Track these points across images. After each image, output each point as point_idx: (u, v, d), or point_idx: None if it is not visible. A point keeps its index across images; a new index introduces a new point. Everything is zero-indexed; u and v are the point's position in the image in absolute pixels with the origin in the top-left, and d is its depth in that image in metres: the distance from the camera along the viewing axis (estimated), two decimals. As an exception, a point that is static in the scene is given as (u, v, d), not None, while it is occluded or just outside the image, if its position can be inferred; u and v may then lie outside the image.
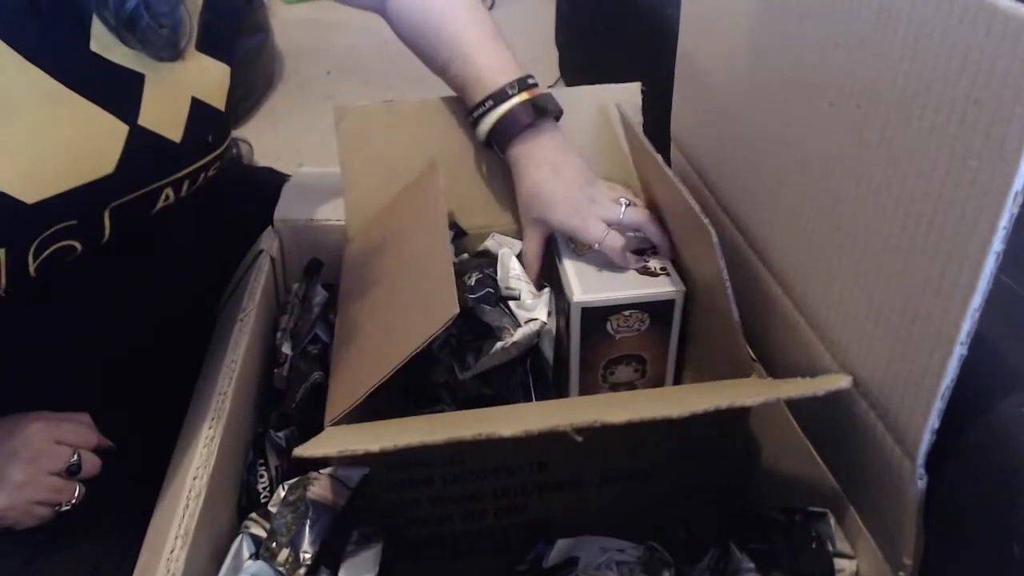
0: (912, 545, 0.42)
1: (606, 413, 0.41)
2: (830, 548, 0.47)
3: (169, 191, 0.53)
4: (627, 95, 0.71)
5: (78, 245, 0.48)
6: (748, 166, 0.58)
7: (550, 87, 0.67)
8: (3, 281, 0.45)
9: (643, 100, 0.71)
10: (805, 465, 0.52)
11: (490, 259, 0.66)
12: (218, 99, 0.57)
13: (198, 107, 0.54)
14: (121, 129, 0.48)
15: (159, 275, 0.62)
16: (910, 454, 0.40)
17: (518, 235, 0.69)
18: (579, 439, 0.39)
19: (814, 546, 0.47)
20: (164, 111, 0.51)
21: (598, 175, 0.65)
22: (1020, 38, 0.31)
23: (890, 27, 0.39)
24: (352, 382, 0.52)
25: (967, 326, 0.36)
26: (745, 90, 0.57)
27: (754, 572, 0.47)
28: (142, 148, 0.49)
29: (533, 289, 0.63)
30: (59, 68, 0.44)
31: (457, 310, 0.47)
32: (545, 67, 1.69)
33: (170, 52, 0.50)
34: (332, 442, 0.42)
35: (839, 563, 0.47)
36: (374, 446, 0.40)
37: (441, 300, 0.48)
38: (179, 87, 0.52)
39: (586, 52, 1.40)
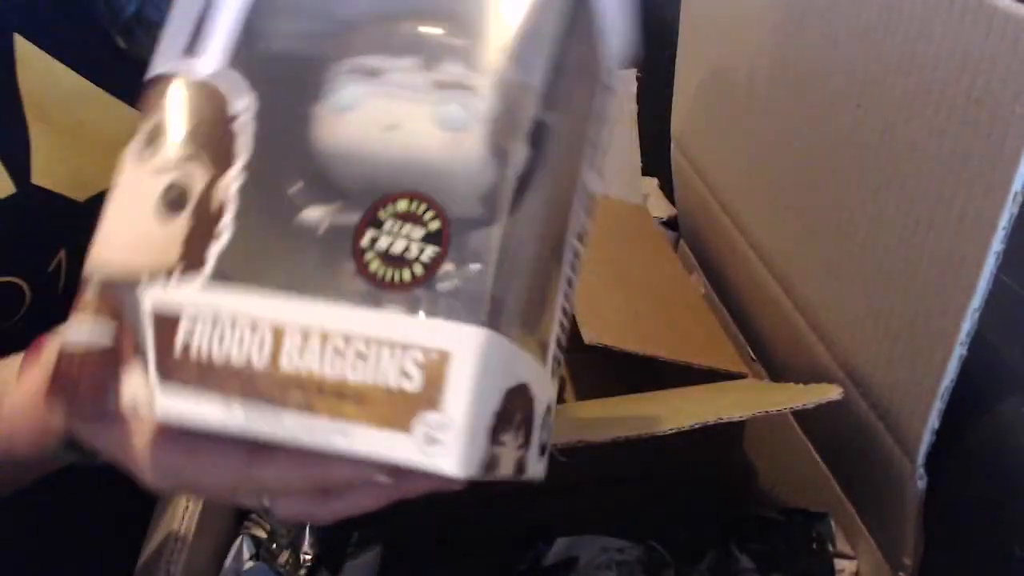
0: (912, 545, 0.42)
1: (590, 430, 0.41)
2: (830, 548, 0.47)
3: None
4: (621, 83, 0.71)
5: None
6: (748, 166, 0.58)
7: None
8: (62, 283, 0.45)
9: (643, 99, 0.71)
10: (805, 465, 0.52)
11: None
12: None
13: None
14: None
15: None
16: (910, 454, 0.40)
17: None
18: (563, 459, 0.40)
19: (814, 546, 0.47)
20: None
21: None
22: (1020, 38, 0.31)
23: (890, 27, 0.39)
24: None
25: (967, 326, 0.36)
26: (745, 90, 0.57)
27: (754, 572, 0.47)
28: None
29: None
30: (86, 64, 0.44)
31: None
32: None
33: None
34: None
35: (839, 563, 0.47)
36: None
37: None
38: None
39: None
